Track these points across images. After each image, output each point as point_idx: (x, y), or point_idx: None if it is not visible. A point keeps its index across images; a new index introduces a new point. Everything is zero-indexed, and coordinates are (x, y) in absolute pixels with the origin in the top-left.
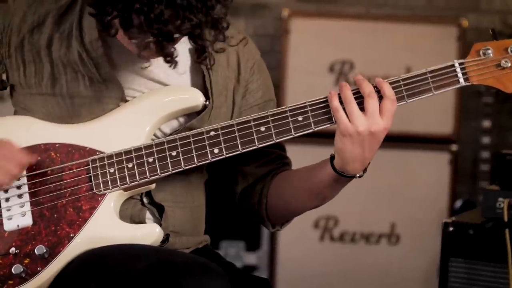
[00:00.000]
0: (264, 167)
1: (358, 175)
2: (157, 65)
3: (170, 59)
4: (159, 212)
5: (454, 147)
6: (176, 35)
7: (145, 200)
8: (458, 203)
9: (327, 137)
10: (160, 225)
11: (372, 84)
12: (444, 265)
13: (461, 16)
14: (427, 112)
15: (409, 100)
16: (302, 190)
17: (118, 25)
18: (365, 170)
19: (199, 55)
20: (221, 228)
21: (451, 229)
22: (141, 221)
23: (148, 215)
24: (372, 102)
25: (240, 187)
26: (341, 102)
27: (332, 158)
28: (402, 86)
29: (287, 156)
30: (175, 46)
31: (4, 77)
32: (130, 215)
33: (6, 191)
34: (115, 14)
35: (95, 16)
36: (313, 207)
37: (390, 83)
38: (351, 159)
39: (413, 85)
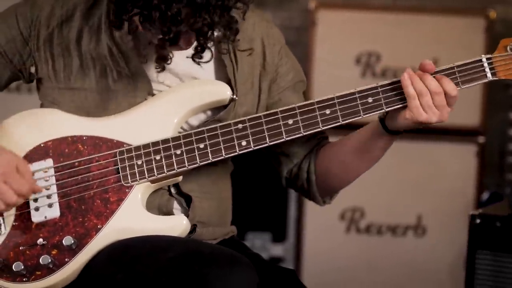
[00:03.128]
0: (306, 145)
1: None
2: (183, 58)
3: (161, 62)
4: (187, 202)
5: (481, 139)
6: (184, 29)
7: (172, 190)
8: (485, 195)
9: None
10: (188, 216)
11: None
12: (471, 258)
13: (488, 8)
14: (454, 105)
15: None
16: (351, 156)
17: (138, 21)
18: None
19: (196, 52)
20: (247, 220)
21: (478, 221)
22: (169, 212)
23: (175, 205)
24: (441, 97)
25: (286, 168)
26: None
27: (381, 120)
28: None
29: (324, 131)
30: (173, 52)
31: (32, 70)
32: (157, 205)
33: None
34: (136, 11)
35: (114, 12)
36: (362, 172)
37: None
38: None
39: None
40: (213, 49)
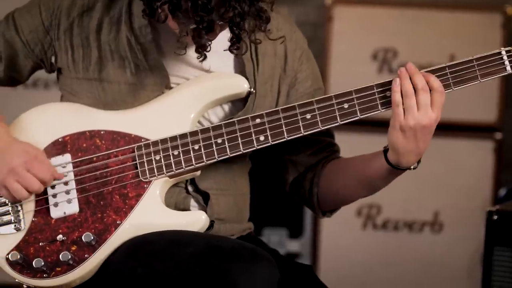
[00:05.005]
0: (315, 156)
1: (412, 167)
2: None
3: (201, 51)
4: (204, 199)
5: (498, 135)
6: (219, 23)
7: (189, 188)
8: (502, 192)
9: (374, 125)
10: (205, 213)
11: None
12: (488, 254)
13: (506, 3)
14: (470, 100)
15: (455, 88)
16: (354, 181)
17: (167, 10)
18: (419, 161)
19: (232, 43)
20: (264, 216)
21: (495, 217)
22: (186, 209)
23: (192, 202)
24: (425, 96)
25: (291, 176)
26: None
27: (385, 151)
28: (449, 74)
29: (336, 143)
30: (212, 41)
31: (53, 59)
32: (174, 203)
33: None
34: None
35: (146, 0)
36: (363, 197)
37: (436, 70)
38: (405, 153)
39: (459, 73)
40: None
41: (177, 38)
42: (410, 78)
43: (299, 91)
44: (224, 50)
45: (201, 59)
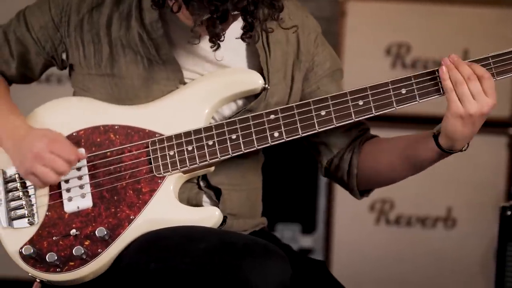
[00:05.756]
0: (347, 135)
1: (463, 148)
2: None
3: (215, 40)
4: (216, 195)
5: (511, 131)
6: (233, 12)
7: (201, 183)
8: None
9: (389, 121)
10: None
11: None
12: (502, 250)
13: None
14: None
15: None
16: (400, 161)
17: (181, 0)
18: (468, 143)
19: (245, 32)
20: (277, 211)
21: (509, 213)
22: (198, 204)
23: (205, 198)
24: (475, 84)
25: (326, 158)
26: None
27: (435, 136)
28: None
29: (365, 122)
30: (226, 30)
31: (64, 56)
32: (187, 199)
33: None
34: None
35: None
36: (407, 177)
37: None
38: (461, 138)
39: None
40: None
41: (190, 29)
42: (457, 68)
43: (318, 74)
44: (236, 38)
45: (214, 48)
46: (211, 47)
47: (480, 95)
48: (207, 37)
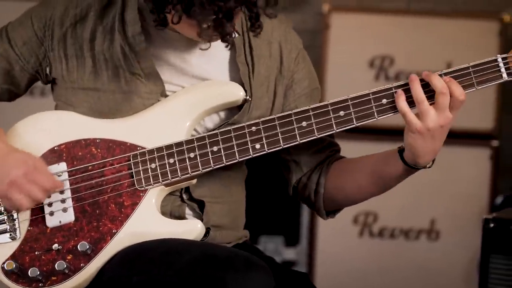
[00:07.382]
0: (317, 155)
1: (428, 165)
2: (197, 59)
3: (228, 38)
4: (200, 207)
5: (495, 143)
6: (237, 9)
7: (184, 196)
8: (499, 199)
9: (372, 133)
10: (201, 220)
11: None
12: (485, 262)
13: (502, 11)
14: (467, 107)
15: None
16: (367, 180)
17: (181, 10)
18: (433, 160)
19: (253, 23)
20: (260, 223)
21: (492, 225)
22: (181, 217)
23: (187, 210)
24: (445, 98)
25: (295, 177)
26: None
27: (400, 152)
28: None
29: (337, 143)
30: (235, 26)
31: (48, 70)
32: (169, 211)
33: None
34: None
35: (153, 9)
36: (374, 196)
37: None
38: (423, 153)
39: (455, 80)
40: (228, 51)
41: (196, 36)
42: (429, 82)
43: (296, 92)
44: (245, 31)
45: (228, 48)
46: (226, 46)
47: (445, 109)
48: (193, 48)
